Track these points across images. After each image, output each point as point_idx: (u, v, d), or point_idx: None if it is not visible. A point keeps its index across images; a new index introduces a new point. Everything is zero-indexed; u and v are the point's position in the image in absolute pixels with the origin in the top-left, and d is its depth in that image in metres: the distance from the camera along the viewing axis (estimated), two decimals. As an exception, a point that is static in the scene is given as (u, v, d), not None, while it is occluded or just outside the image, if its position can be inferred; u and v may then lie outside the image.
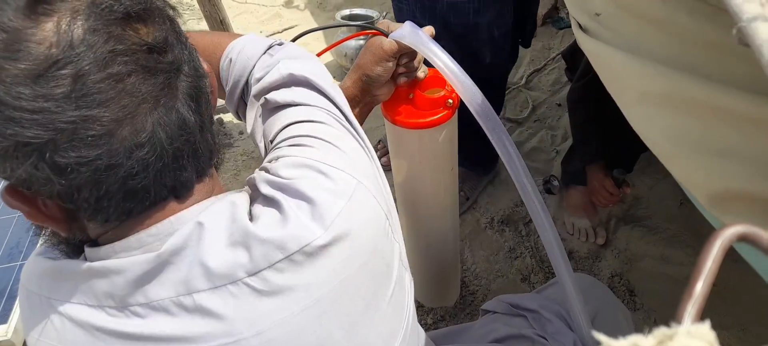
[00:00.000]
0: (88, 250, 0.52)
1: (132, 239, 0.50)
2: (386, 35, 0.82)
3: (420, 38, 0.79)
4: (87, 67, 0.42)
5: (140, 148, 0.46)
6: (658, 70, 0.44)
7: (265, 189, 0.55)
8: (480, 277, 1.51)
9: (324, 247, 0.52)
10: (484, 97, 0.80)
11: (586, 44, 0.57)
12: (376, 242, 0.58)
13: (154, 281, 0.50)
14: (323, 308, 0.52)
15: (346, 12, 2.20)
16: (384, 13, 2.23)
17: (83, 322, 0.52)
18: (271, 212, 0.54)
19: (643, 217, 1.60)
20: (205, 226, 0.51)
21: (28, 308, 0.56)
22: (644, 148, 1.66)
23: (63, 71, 0.41)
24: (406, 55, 0.85)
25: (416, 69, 0.88)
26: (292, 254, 0.51)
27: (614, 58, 0.51)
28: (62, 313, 0.53)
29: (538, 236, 1.57)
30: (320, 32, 2.48)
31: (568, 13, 2.47)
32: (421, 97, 0.91)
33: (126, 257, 0.50)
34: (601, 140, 1.44)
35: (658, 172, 1.68)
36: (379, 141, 1.87)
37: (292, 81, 0.68)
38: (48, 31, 0.42)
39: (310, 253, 0.52)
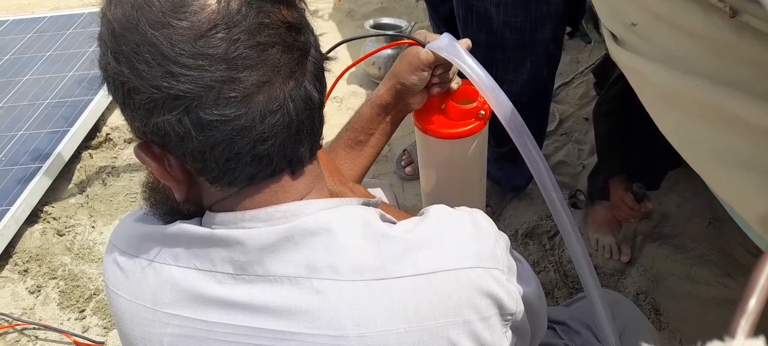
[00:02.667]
0: (210, 215, 0.55)
1: (262, 212, 0.53)
2: (423, 45, 0.84)
3: (457, 51, 0.80)
4: (239, 34, 0.47)
5: (272, 115, 0.50)
6: (698, 85, 0.44)
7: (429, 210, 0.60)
8: (503, 289, 1.50)
9: (446, 281, 0.53)
10: (514, 109, 0.80)
11: (621, 58, 0.57)
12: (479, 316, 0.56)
13: (277, 255, 0.52)
14: (423, 339, 0.52)
15: (375, 21, 2.21)
16: (413, 23, 2.24)
17: (186, 286, 0.54)
18: (416, 220, 0.57)
19: (669, 235, 1.58)
20: (340, 222, 0.53)
21: (122, 271, 0.58)
22: (671, 166, 1.63)
23: (220, 34, 0.47)
24: (441, 65, 0.86)
25: (450, 80, 0.89)
26: (420, 275, 0.52)
27: (650, 71, 0.51)
28: (164, 275, 0.55)
29: (563, 251, 1.56)
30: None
31: (597, 27, 2.42)
32: (453, 107, 0.91)
33: (252, 228, 0.53)
34: (624, 154, 1.43)
35: (687, 190, 1.66)
36: (405, 150, 1.87)
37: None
38: None
39: (433, 283, 0.53)
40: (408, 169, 1.83)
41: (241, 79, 0.48)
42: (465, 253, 0.55)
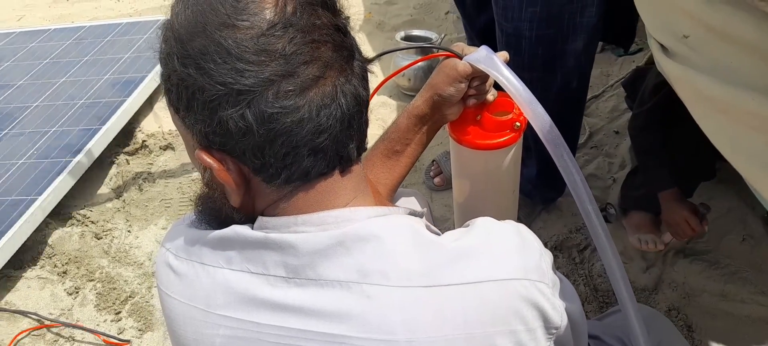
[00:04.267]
0: (262, 219, 0.57)
1: (314, 216, 0.56)
2: (461, 57, 0.85)
3: (495, 63, 0.81)
4: (295, 33, 0.51)
5: (326, 107, 0.54)
6: (753, 99, 0.44)
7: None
8: (532, 301, 1.50)
9: (493, 290, 0.54)
10: (551, 122, 0.81)
11: (671, 70, 0.57)
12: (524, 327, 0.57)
13: (328, 259, 0.54)
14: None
15: (405, 33, 2.23)
16: (443, 35, 2.26)
17: (239, 289, 0.56)
18: (463, 231, 0.58)
19: (703, 251, 1.56)
20: (390, 229, 0.55)
21: (175, 274, 0.61)
22: (705, 177, 1.59)
23: (278, 33, 0.51)
24: (477, 77, 0.87)
25: (486, 92, 0.91)
26: (468, 283, 0.54)
27: (703, 84, 0.50)
28: (217, 278, 0.57)
29: (592, 264, 1.55)
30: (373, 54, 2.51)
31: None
32: (488, 118, 0.93)
33: (305, 232, 0.55)
34: (671, 166, 1.40)
35: (720, 206, 1.63)
36: (433, 161, 1.88)
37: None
38: (267, 1, 0.52)
39: (480, 292, 0.54)
40: (437, 179, 1.84)
41: (298, 73, 0.52)
42: (512, 265, 0.56)
